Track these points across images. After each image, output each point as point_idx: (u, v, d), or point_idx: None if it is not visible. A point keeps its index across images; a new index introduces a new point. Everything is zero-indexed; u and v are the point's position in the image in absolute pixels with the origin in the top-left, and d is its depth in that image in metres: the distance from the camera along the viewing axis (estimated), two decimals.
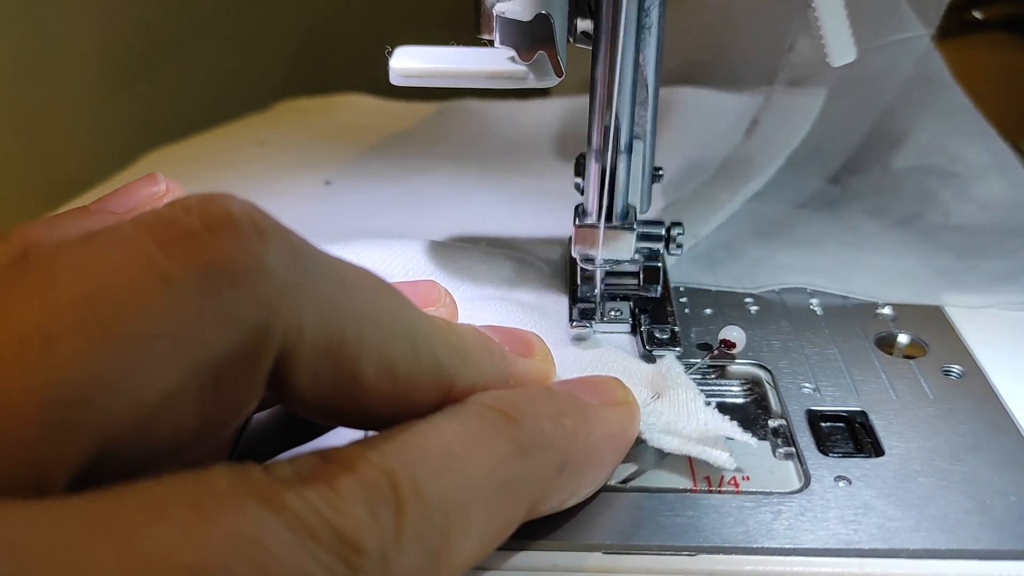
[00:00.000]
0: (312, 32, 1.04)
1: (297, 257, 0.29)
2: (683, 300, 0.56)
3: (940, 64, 0.62)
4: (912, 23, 0.61)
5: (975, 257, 0.58)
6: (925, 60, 0.62)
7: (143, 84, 0.94)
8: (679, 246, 0.51)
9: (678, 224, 0.51)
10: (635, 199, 0.50)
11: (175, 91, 0.98)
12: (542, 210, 0.66)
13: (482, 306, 0.51)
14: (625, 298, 0.53)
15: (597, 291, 0.52)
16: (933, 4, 0.61)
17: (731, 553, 0.38)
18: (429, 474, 0.30)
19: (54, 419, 0.24)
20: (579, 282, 0.53)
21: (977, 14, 1.02)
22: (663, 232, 0.51)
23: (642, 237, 0.51)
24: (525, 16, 0.44)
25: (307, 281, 0.29)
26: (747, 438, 0.42)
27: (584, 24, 0.47)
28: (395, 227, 0.62)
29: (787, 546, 0.38)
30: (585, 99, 0.48)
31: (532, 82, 0.45)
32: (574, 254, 0.50)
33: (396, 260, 0.54)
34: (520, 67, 0.45)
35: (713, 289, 0.57)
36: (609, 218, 0.48)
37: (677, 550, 0.38)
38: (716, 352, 0.50)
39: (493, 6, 0.49)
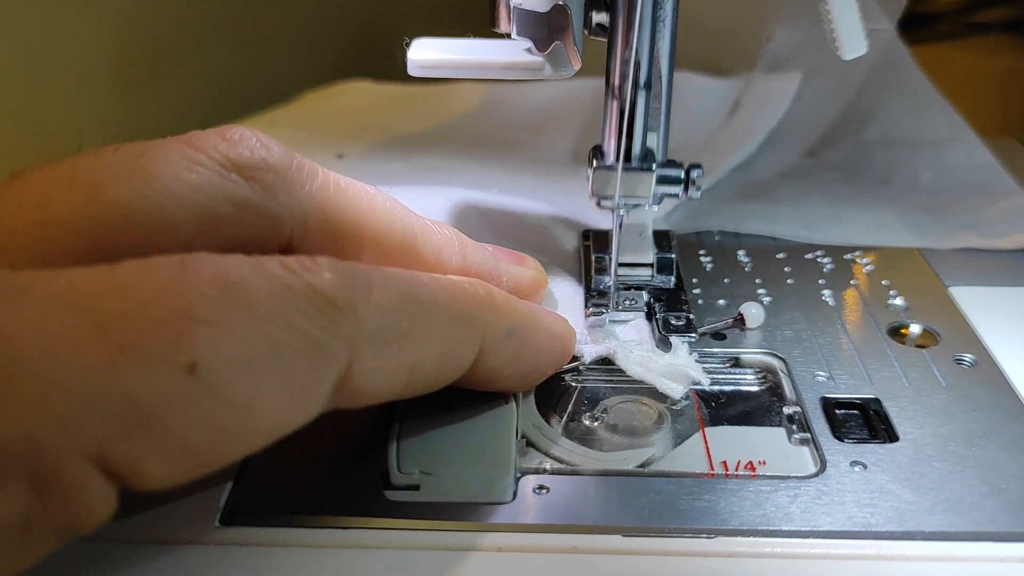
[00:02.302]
0: (323, 29, 1.05)
1: (300, 165, 0.39)
2: (697, 291, 0.56)
3: (903, 51, 0.70)
4: (877, 15, 0.68)
5: (942, 212, 0.64)
6: (890, 47, 0.70)
7: (155, 84, 0.94)
8: (698, 188, 0.51)
9: (697, 166, 0.51)
10: (653, 142, 0.50)
11: (186, 91, 0.99)
12: (547, 183, 0.69)
13: None
14: (639, 288, 0.54)
15: (611, 281, 0.52)
16: (895, 0, 0.70)
17: (749, 535, 0.39)
18: (398, 281, 0.37)
19: (93, 240, 0.34)
20: (593, 272, 0.54)
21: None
22: (682, 175, 0.51)
23: (661, 180, 0.50)
24: (542, 7, 0.45)
25: (308, 182, 0.39)
26: (705, 381, 0.47)
27: (600, 16, 0.47)
28: (406, 196, 0.64)
29: (805, 528, 0.39)
30: (589, 80, 0.49)
31: (548, 73, 0.46)
32: (591, 196, 0.49)
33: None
34: (537, 58, 0.46)
35: (726, 281, 0.58)
36: (628, 159, 0.48)
37: (696, 533, 0.39)
38: (731, 322, 0.52)
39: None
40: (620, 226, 0.51)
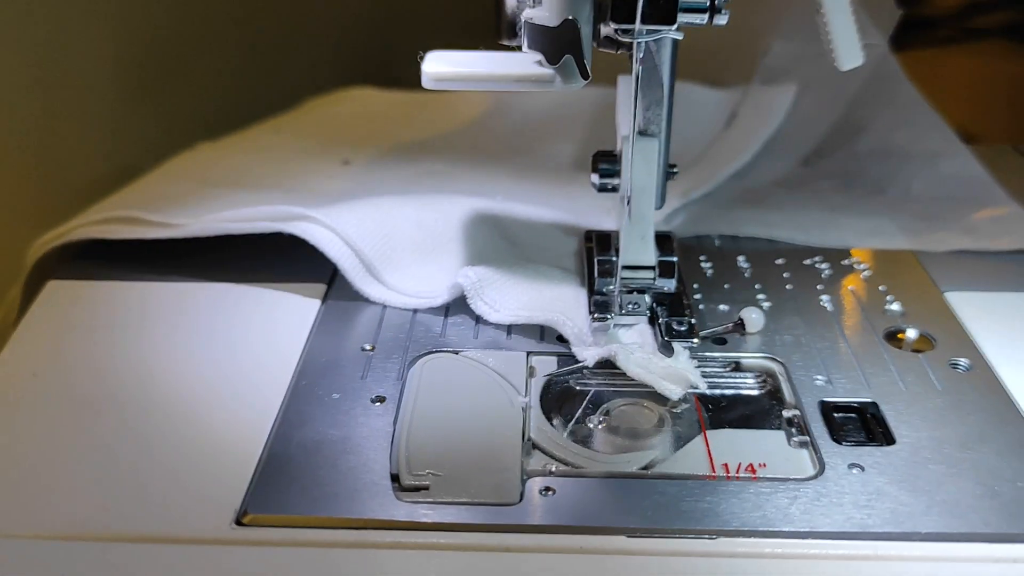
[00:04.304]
0: (329, 37, 1.06)
1: None
2: (697, 296, 0.57)
3: (895, 65, 0.72)
4: (870, 30, 0.69)
5: (935, 219, 0.66)
6: (883, 62, 0.71)
7: (159, 92, 0.96)
8: (725, 13, 0.47)
9: None
10: None
11: (191, 98, 1.00)
12: (551, 188, 0.70)
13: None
14: (641, 292, 0.55)
15: (615, 286, 0.53)
16: (887, 15, 0.71)
17: (750, 536, 0.40)
18: None
19: None
20: (596, 275, 0.55)
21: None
22: (707, 1, 0.47)
23: (685, 8, 0.46)
24: (552, 22, 0.46)
25: None
26: (702, 386, 0.48)
27: (607, 29, 0.48)
28: (415, 203, 0.65)
29: (804, 529, 0.40)
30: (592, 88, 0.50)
31: (559, 85, 0.47)
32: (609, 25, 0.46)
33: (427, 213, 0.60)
34: (547, 71, 0.47)
35: (726, 287, 0.59)
36: None
37: (698, 533, 0.40)
38: (732, 326, 0.53)
39: (519, 13, 0.50)
40: (627, 203, 0.51)
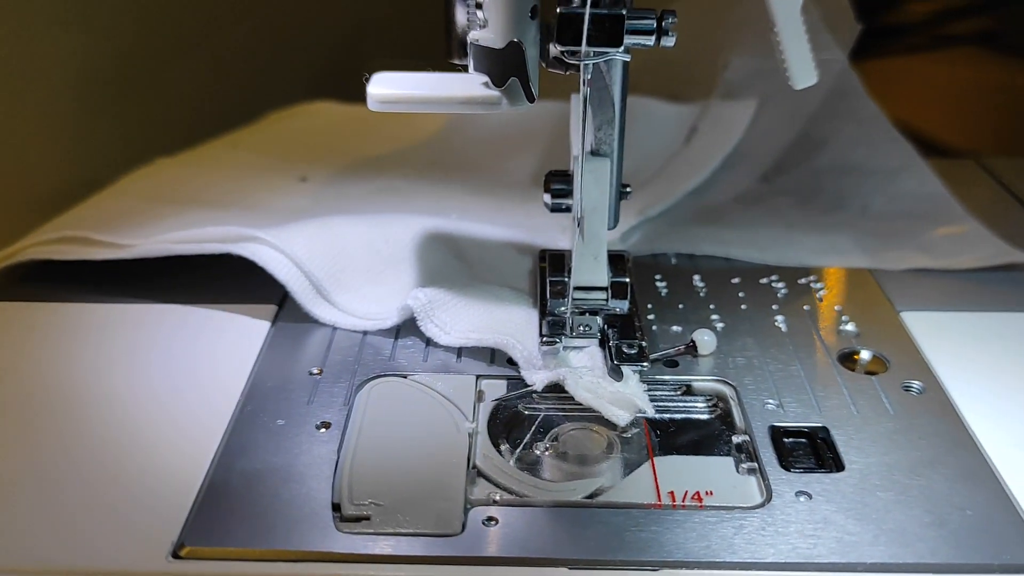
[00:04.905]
0: (291, 53, 1.05)
1: None
2: (651, 317, 0.57)
3: (855, 80, 0.71)
4: (830, 45, 0.70)
5: (893, 237, 0.66)
6: (843, 76, 0.71)
7: (122, 105, 0.95)
8: (671, 36, 0.47)
9: (671, 12, 0.47)
10: None
11: (153, 112, 0.99)
12: (508, 205, 0.70)
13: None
14: (594, 313, 0.54)
15: (567, 307, 0.53)
16: (847, 30, 0.71)
17: (693, 568, 0.39)
18: None
19: None
20: (549, 296, 0.54)
21: None
22: (654, 24, 0.47)
23: (632, 30, 0.46)
24: (498, 44, 0.45)
25: None
26: (650, 411, 0.48)
27: (556, 51, 0.48)
28: (370, 223, 0.64)
29: (747, 560, 0.40)
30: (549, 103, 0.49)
31: (505, 107, 0.46)
32: (555, 45, 0.46)
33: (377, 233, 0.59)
34: (493, 92, 0.46)
35: (680, 307, 0.59)
36: (596, 3, 0.45)
37: (640, 565, 0.39)
38: (682, 349, 0.53)
39: (466, 34, 0.50)
40: (579, 223, 0.51)
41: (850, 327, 0.56)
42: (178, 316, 0.57)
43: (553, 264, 0.57)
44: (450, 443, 0.46)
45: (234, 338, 0.54)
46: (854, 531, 0.41)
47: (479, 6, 0.47)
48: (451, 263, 0.59)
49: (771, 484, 0.44)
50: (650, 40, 0.46)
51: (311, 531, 0.41)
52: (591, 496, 0.44)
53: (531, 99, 0.46)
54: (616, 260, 0.55)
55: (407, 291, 0.55)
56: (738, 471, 0.46)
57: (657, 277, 0.61)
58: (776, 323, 0.56)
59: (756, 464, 0.45)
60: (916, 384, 0.51)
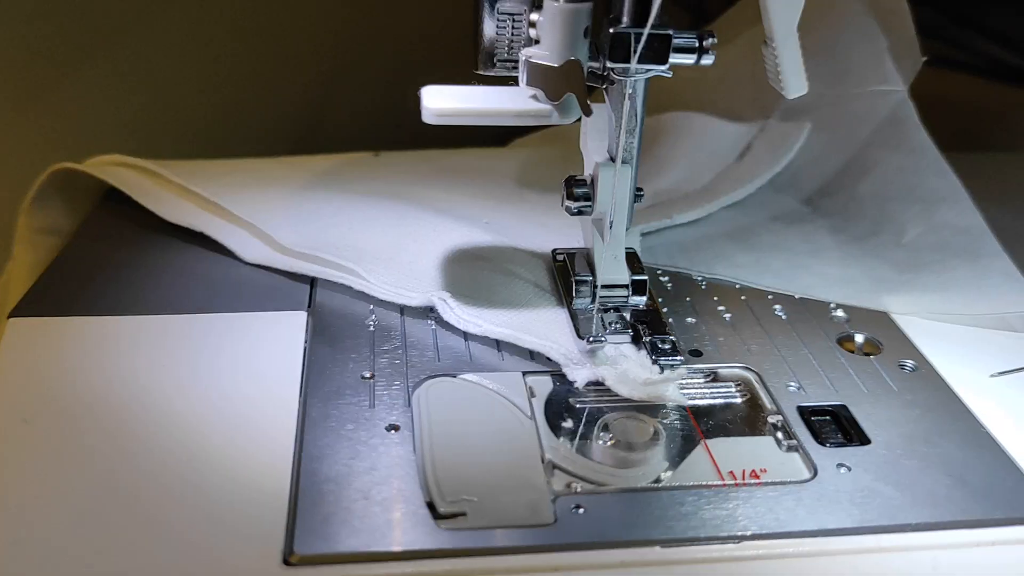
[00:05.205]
0: (209, 49, 1.03)
1: None
2: (664, 310, 0.61)
3: (911, 111, 0.72)
4: (894, 77, 0.72)
5: (914, 271, 0.66)
6: (899, 106, 0.72)
7: (43, 101, 0.92)
8: (711, 55, 0.50)
9: (711, 34, 0.50)
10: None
11: (77, 107, 0.96)
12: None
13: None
14: (616, 309, 0.58)
15: (595, 304, 0.56)
16: (911, 63, 0.72)
17: (769, 539, 0.44)
18: None
19: None
20: (574, 295, 0.57)
21: None
22: (696, 43, 0.50)
23: (676, 48, 0.49)
24: (555, 61, 0.48)
25: None
26: (683, 401, 0.52)
27: (593, 64, 0.51)
28: (385, 222, 0.67)
29: (814, 528, 0.44)
30: None
31: (556, 120, 0.49)
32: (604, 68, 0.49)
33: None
34: (545, 106, 0.49)
35: (702, 286, 0.64)
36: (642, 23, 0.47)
37: (724, 540, 0.44)
38: None
39: (497, 45, 0.52)
40: (610, 225, 0.54)
41: (840, 313, 0.62)
42: (207, 326, 0.57)
43: (570, 263, 0.61)
44: (517, 437, 0.49)
45: (275, 345, 0.55)
46: (894, 496, 0.46)
47: (532, 25, 0.49)
48: (476, 260, 0.62)
49: (813, 459, 0.49)
50: (692, 58, 0.50)
51: (413, 530, 0.43)
52: (656, 481, 0.48)
53: (587, 113, 0.49)
54: (630, 258, 0.59)
55: (435, 278, 0.59)
56: (780, 448, 0.50)
57: (659, 273, 0.65)
58: (776, 312, 0.62)
59: (795, 441, 0.50)
60: (909, 363, 0.57)
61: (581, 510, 0.45)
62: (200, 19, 1.00)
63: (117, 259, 0.64)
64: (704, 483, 0.47)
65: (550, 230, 0.67)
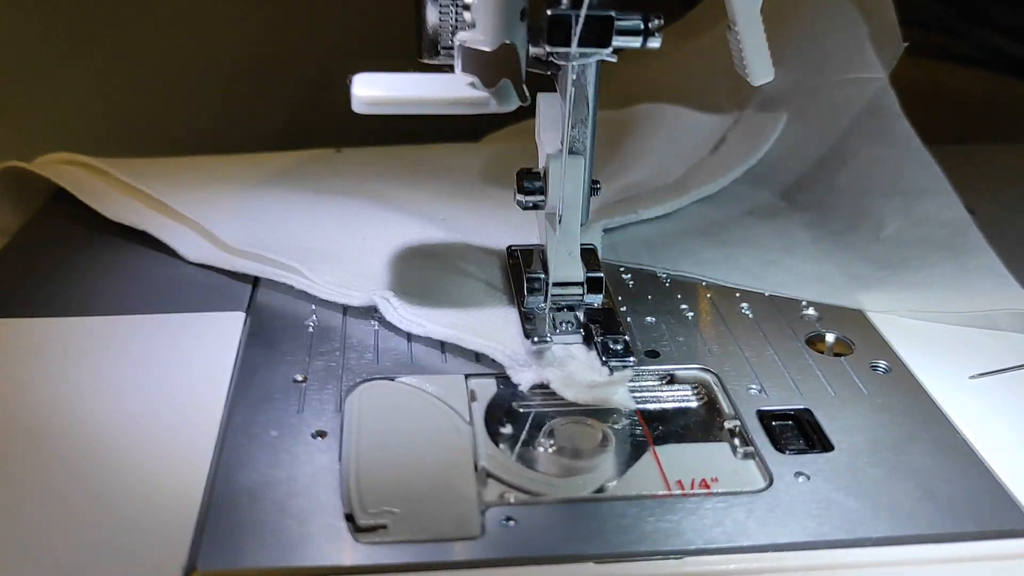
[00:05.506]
0: (196, 51, 1.01)
1: None
2: (623, 309, 0.58)
3: (893, 99, 0.68)
4: (874, 64, 0.68)
5: (893, 268, 0.62)
6: (880, 95, 0.68)
7: (14, 105, 0.91)
8: (657, 37, 0.47)
9: (657, 15, 0.47)
10: None
11: (49, 110, 0.95)
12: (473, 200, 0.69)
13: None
14: (571, 308, 0.55)
15: (546, 304, 0.53)
16: (892, 49, 0.69)
17: (714, 553, 0.40)
18: None
19: None
20: (526, 292, 0.54)
21: None
22: (641, 25, 0.47)
23: (619, 31, 0.46)
24: (489, 45, 0.45)
25: None
26: (632, 405, 0.49)
27: (536, 50, 0.48)
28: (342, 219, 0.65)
29: (764, 543, 0.41)
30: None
31: (494, 107, 0.46)
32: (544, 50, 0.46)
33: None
34: (482, 93, 0.46)
35: (666, 283, 0.61)
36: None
37: (664, 555, 0.40)
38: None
39: (440, 32, 0.49)
40: (558, 220, 0.51)
41: (811, 312, 0.58)
42: (141, 327, 0.54)
43: (525, 260, 0.58)
44: (451, 444, 0.46)
45: (206, 348, 0.53)
46: (855, 508, 0.43)
47: (466, 7, 0.46)
48: (427, 259, 0.59)
49: (770, 467, 0.45)
50: (637, 41, 0.47)
51: (328, 544, 0.40)
52: (599, 490, 0.44)
53: (524, 100, 0.46)
54: (588, 254, 0.56)
55: (381, 277, 0.56)
56: (736, 456, 0.47)
57: (621, 269, 0.62)
58: (743, 310, 0.58)
59: (752, 448, 0.47)
60: (882, 364, 0.53)
61: (512, 522, 0.42)
62: (178, 19, 0.98)
63: (56, 259, 0.62)
64: (649, 493, 0.44)
65: (511, 226, 0.64)
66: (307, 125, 1.01)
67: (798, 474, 0.45)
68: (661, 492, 0.44)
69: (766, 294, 0.60)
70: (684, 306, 0.58)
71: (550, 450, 0.47)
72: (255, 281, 0.59)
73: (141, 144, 0.92)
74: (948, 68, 1.09)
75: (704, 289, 0.60)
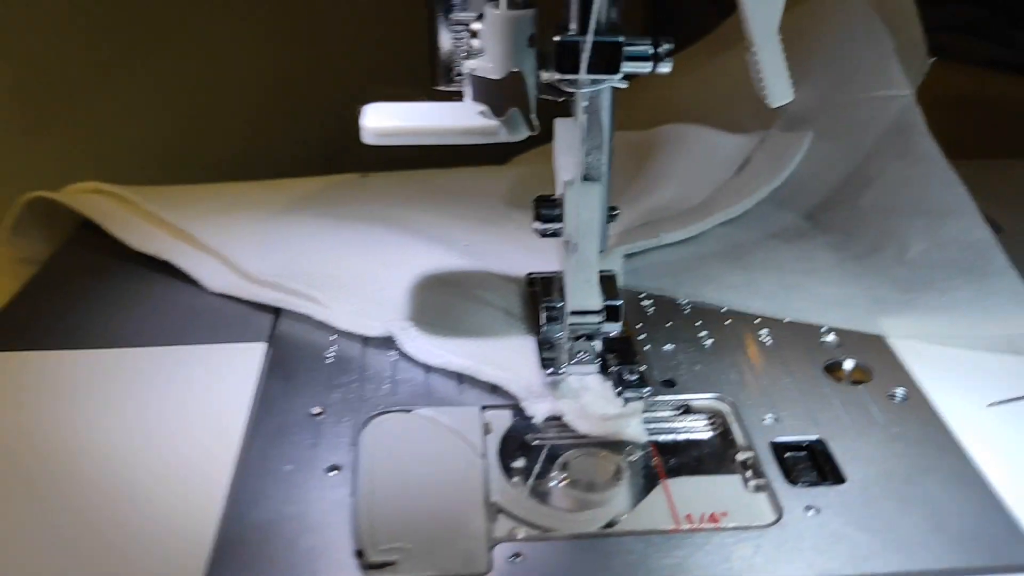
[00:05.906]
0: (230, 78, 1.03)
1: None
2: (641, 337, 0.58)
3: (918, 117, 0.67)
4: (901, 81, 0.68)
5: (917, 291, 0.61)
6: (905, 112, 0.68)
7: (54, 127, 0.93)
8: (668, 62, 0.47)
9: (668, 38, 0.48)
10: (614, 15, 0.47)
11: (86, 131, 0.97)
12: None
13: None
14: (589, 337, 0.55)
15: (564, 333, 0.53)
16: (917, 65, 0.68)
17: None
18: None
19: None
20: (544, 322, 0.55)
21: None
22: (650, 50, 0.47)
23: (629, 57, 0.47)
24: (497, 74, 0.45)
25: None
26: (643, 439, 0.49)
27: (547, 75, 0.48)
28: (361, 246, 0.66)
29: None
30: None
31: (504, 137, 0.47)
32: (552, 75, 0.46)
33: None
34: (492, 122, 0.47)
35: (686, 310, 0.61)
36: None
37: None
38: None
39: (456, 58, 0.50)
40: (574, 248, 0.51)
41: (831, 337, 0.58)
42: (163, 360, 0.55)
43: (544, 289, 0.58)
44: (464, 478, 0.47)
45: (226, 380, 0.54)
46: (863, 542, 0.43)
47: (473, 35, 0.47)
48: (447, 287, 0.60)
49: (780, 500, 0.45)
50: (647, 66, 0.47)
51: None
52: (607, 526, 0.45)
53: (532, 129, 0.47)
54: (607, 282, 0.56)
55: (400, 306, 0.57)
56: (747, 488, 0.47)
57: (642, 296, 0.62)
58: (761, 337, 0.58)
59: (763, 480, 0.47)
60: (899, 392, 0.53)
61: (519, 558, 0.42)
62: (222, 40, 1.00)
63: (80, 289, 0.63)
64: (657, 528, 0.44)
65: (533, 252, 0.65)
66: (338, 149, 1.02)
67: (808, 508, 0.45)
68: (669, 527, 0.44)
69: (785, 320, 0.60)
70: (703, 333, 0.58)
71: (563, 483, 0.47)
72: (277, 311, 0.60)
73: (173, 168, 0.94)
74: (991, 75, 1.07)
75: (724, 316, 0.60)
